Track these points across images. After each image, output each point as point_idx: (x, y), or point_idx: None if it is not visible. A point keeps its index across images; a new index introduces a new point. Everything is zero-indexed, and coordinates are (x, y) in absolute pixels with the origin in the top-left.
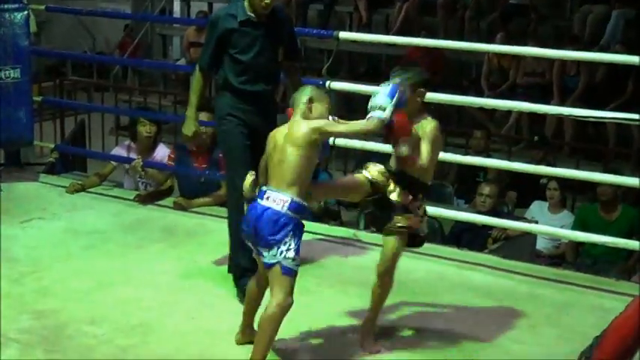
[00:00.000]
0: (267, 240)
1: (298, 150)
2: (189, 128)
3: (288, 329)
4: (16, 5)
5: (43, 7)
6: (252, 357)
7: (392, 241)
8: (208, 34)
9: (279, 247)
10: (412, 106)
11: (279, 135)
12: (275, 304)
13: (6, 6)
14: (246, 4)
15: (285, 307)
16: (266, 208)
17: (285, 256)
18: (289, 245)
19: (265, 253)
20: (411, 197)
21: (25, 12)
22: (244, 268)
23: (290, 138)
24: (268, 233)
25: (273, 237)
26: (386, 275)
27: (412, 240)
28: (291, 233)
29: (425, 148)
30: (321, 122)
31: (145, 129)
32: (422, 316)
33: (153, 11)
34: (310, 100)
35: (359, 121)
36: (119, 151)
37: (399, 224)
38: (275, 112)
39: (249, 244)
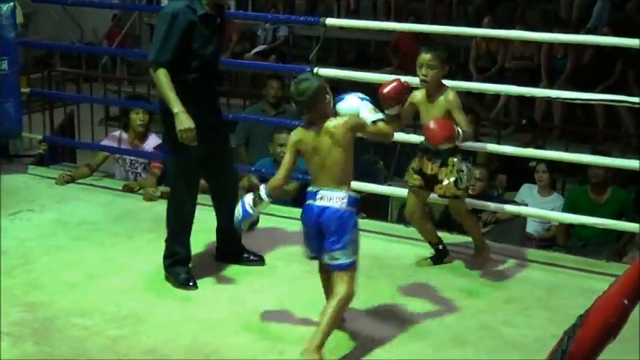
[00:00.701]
0: (340, 241)
1: (343, 149)
2: (187, 122)
3: (281, 316)
4: None
5: None
6: (321, 334)
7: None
8: (167, 28)
9: (351, 245)
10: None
11: (316, 138)
12: (345, 295)
13: None
14: None
15: (350, 298)
16: (325, 208)
17: (354, 252)
18: (357, 241)
19: (339, 254)
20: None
21: (11, 3)
22: (182, 258)
23: (334, 139)
24: (338, 235)
25: (345, 237)
26: (467, 216)
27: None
28: (354, 228)
29: (460, 117)
30: (354, 119)
31: (139, 117)
32: (411, 300)
33: (140, 1)
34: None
35: (383, 124)
36: (109, 141)
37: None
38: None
39: (308, 249)
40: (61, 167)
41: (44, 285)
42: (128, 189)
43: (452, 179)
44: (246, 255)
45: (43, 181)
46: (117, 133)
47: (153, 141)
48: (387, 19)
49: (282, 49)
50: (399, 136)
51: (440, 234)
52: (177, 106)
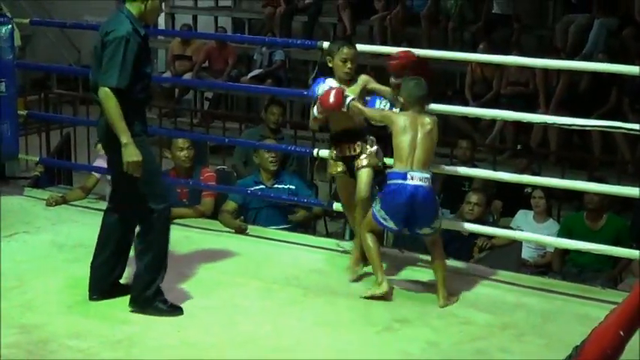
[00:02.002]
0: (432, 216)
1: (432, 137)
2: (136, 155)
3: (276, 340)
4: (1, 19)
5: (27, 20)
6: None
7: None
8: (123, 52)
9: (438, 218)
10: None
11: (414, 125)
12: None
13: None
14: (135, 15)
15: None
16: (418, 186)
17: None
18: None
19: (427, 229)
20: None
21: (9, 26)
22: (159, 290)
23: (425, 128)
24: (432, 210)
25: (436, 212)
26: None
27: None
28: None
29: (377, 86)
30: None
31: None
32: (406, 326)
33: None
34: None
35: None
36: (100, 162)
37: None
38: None
39: (394, 224)
40: (57, 189)
41: (39, 307)
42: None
43: (373, 149)
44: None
45: (39, 203)
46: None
47: None
48: (384, 44)
49: (278, 73)
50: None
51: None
52: (126, 137)
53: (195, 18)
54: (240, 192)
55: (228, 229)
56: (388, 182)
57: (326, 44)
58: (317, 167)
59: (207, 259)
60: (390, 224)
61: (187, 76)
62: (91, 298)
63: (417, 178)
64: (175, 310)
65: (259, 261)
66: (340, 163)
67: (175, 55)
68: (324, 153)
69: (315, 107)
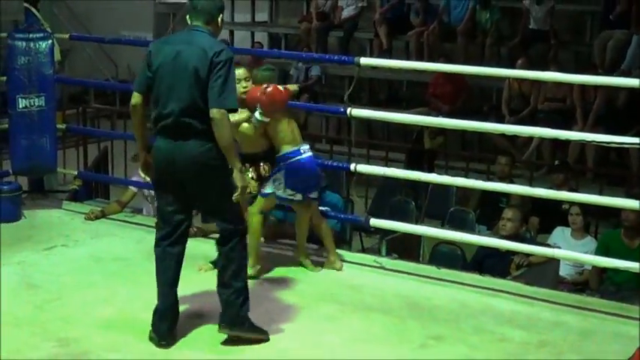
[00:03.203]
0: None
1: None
2: (245, 179)
3: (314, 356)
4: (41, 34)
5: (67, 35)
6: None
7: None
8: (233, 73)
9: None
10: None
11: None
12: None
13: (31, 35)
14: (214, 32)
15: None
16: (311, 155)
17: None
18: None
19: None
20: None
21: (50, 41)
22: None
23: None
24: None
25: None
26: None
27: None
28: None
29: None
30: None
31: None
32: (442, 343)
33: None
34: None
35: None
36: (137, 178)
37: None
38: None
39: (301, 196)
40: (94, 203)
41: (77, 320)
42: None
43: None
44: None
45: (77, 217)
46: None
47: None
48: (420, 59)
49: (314, 88)
50: (432, 178)
51: (471, 276)
52: (239, 162)
53: (231, 33)
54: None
55: (264, 243)
56: (288, 162)
57: (364, 60)
58: (355, 182)
59: None
60: (298, 197)
61: None
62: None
63: (307, 150)
64: (262, 332)
65: (294, 276)
66: (255, 183)
67: None
68: (363, 168)
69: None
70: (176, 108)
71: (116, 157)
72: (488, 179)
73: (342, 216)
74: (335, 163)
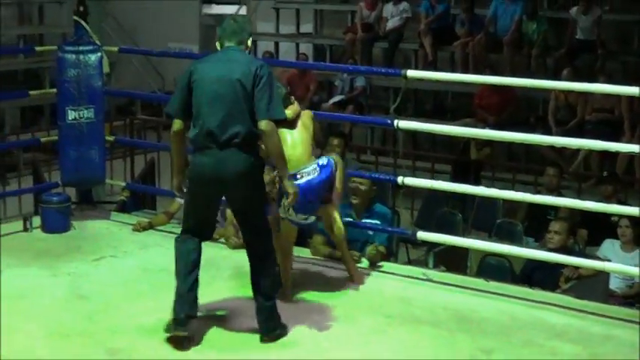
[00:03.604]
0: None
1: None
2: (295, 186)
3: None
4: (91, 47)
5: (115, 48)
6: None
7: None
8: (275, 85)
9: None
10: None
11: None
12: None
13: (81, 48)
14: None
15: None
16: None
17: None
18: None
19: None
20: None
21: (99, 53)
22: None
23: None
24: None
25: None
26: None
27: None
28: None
29: None
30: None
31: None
32: (493, 356)
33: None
34: None
35: None
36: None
37: None
38: None
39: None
40: (142, 214)
41: (126, 331)
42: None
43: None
44: None
45: (126, 228)
46: None
47: None
48: (465, 70)
49: (359, 99)
50: (480, 190)
51: (519, 289)
52: (286, 169)
53: (276, 45)
54: None
55: (309, 256)
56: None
57: (411, 72)
58: (402, 194)
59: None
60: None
61: None
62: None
63: (309, 172)
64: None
65: (342, 288)
66: None
67: None
68: (410, 181)
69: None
70: (220, 122)
71: (162, 168)
72: (536, 191)
73: (390, 229)
74: (382, 176)
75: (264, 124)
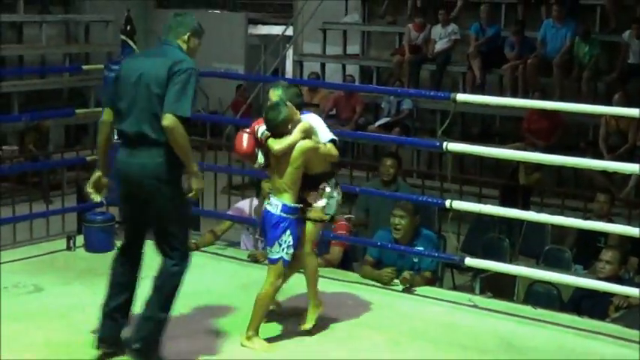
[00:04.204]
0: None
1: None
2: (201, 182)
3: None
4: None
5: None
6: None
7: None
8: (193, 84)
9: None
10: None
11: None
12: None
13: None
14: (185, 50)
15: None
16: (267, 211)
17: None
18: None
19: (269, 249)
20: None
21: None
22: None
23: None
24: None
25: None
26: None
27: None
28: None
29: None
30: (308, 144)
31: (268, 185)
32: None
33: (265, 72)
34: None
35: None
36: (242, 205)
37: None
38: None
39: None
40: None
41: (167, 355)
42: (254, 259)
43: (321, 203)
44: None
45: None
46: (242, 204)
47: None
48: (514, 94)
49: (405, 122)
50: (530, 216)
51: (568, 317)
52: (196, 165)
53: (323, 66)
54: (369, 244)
55: (354, 280)
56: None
57: (460, 96)
58: (449, 219)
59: (332, 310)
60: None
61: None
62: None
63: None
64: None
65: (385, 313)
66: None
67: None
68: (458, 205)
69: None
70: (133, 119)
71: (206, 189)
72: (585, 217)
73: (437, 254)
74: (429, 199)
75: (165, 119)
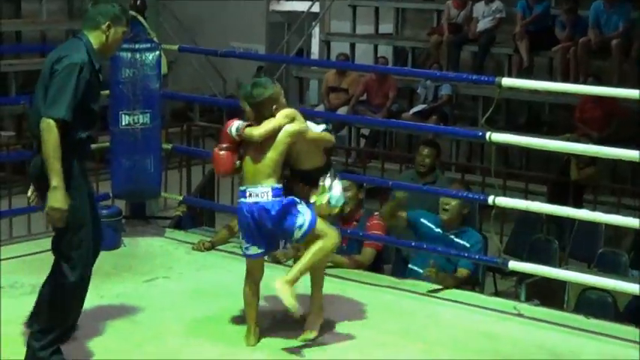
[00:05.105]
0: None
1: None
2: (63, 202)
3: None
4: (148, 45)
5: (175, 47)
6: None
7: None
8: (75, 81)
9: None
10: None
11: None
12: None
13: (137, 45)
14: (93, 46)
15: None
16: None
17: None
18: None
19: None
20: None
21: (157, 52)
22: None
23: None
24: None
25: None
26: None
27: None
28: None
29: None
30: (295, 127)
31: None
32: None
33: (289, 52)
34: None
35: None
36: None
37: None
38: None
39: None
40: (200, 232)
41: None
42: (274, 260)
43: (325, 199)
44: None
45: (182, 247)
46: None
47: None
48: (565, 79)
49: (444, 109)
50: (583, 214)
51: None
52: (58, 179)
53: (352, 46)
54: (404, 245)
55: (387, 284)
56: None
57: (506, 80)
58: (492, 217)
59: (364, 317)
60: (251, 251)
61: (342, 110)
62: None
63: (254, 195)
64: None
65: (422, 320)
66: None
67: (330, 87)
68: (503, 201)
69: None
70: (31, 119)
71: (223, 182)
72: None
73: (477, 256)
74: (470, 195)
75: (41, 122)
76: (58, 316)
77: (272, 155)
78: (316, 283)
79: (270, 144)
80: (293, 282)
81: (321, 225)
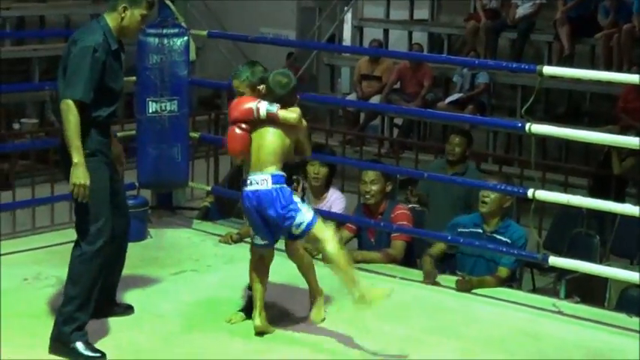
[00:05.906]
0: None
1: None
2: (84, 177)
3: None
4: (176, 30)
5: (204, 32)
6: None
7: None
8: (90, 63)
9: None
10: None
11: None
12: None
13: (165, 31)
14: (111, 28)
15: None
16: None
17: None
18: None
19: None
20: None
21: (186, 38)
22: (84, 323)
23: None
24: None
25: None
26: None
27: None
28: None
29: None
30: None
31: (313, 169)
32: None
33: (320, 38)
34: None
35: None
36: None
37: None
38: None
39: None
40: (229, 223)
41: (207, 356)
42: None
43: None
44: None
45: (209, 239)
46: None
47: (334, 196)
48: (608, 67)
49: (480, 99)
50: (627, 209)
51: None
52: (78, 156)
53: (386, 32)
54: (437, 238)
55: (419, 278)
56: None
57: (547, 69)
58: (532, 211)
59: (397, 313)
60: (258, 240)
61: (375, 99)
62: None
63: (255, 182)
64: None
65: (457, 317)
66: None
67: (363, 75)
68: (542, 195)
69: None
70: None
71: None
72: None
73: (516, 251)
74: (509, 187)
75: (61, 103)
76: (75, 288)
77: (285, 143)
78: (305, 274)
79: (278, 132)
80: (357, 283)
81: (319, 227)
